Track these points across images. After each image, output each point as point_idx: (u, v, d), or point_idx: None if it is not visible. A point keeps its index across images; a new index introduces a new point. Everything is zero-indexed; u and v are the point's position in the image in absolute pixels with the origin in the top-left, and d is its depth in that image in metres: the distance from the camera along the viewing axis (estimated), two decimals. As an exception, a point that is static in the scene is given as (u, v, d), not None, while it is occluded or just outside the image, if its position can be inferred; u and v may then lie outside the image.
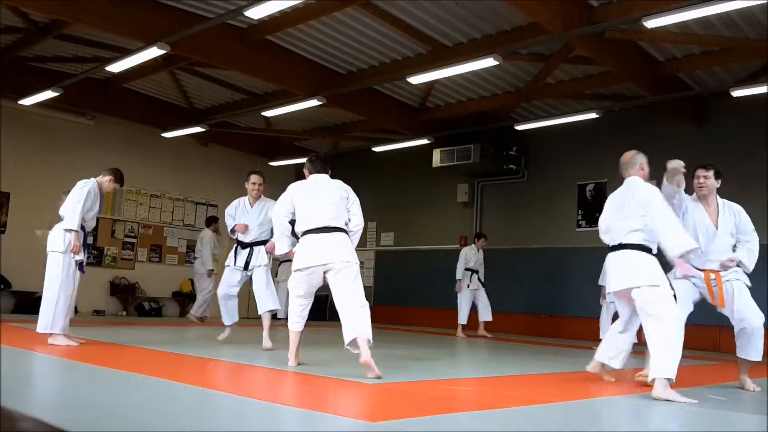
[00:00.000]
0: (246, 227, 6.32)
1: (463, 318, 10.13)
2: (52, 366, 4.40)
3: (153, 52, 8.28)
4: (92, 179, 5.80)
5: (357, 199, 4.71)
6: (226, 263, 6.46)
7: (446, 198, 13.13)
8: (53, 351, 4.95)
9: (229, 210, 6.56)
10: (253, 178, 6.45)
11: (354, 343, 4.22)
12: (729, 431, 3.34)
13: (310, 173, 4.80)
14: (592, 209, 11.07)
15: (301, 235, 4.55)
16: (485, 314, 10.07)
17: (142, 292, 12.84)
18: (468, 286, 10.16)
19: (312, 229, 4.48)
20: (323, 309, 10.28)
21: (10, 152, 10.82)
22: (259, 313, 6.19)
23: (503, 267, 11.44)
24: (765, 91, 8.32)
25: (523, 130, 11.11)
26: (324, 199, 4.55)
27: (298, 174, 15.66)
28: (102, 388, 3.54)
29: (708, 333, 9.44)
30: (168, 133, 12.33)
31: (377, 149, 12.32)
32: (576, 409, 3.68)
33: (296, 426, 2.75)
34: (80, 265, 5.58)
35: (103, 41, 9.79)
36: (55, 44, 10.06)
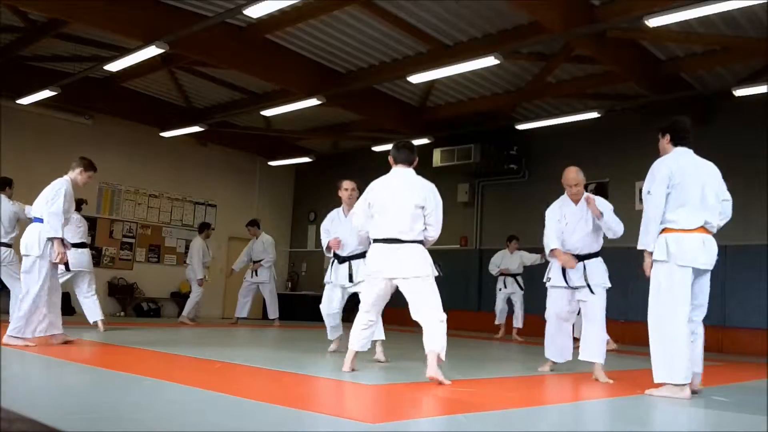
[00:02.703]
0: (339, 242, 5.67)
1: (498, 319, 10.22)
2: (50, 367, 4.37)
3: (151, 51, 8.25)
4: (66, 178, 5.53)
5: (439, 206, 4.25)
6: (325, 280, 5.97)
7: (446, 198, 12.83)
8: (51, 352, 4.91)
9: (325, 224, 5.96)
10: (345, 183, 5.83)
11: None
12: (733, 433, 3.31)
13: (395, 164, 4.38)
14: (592, 209, 11.00)
15: (372, 242, 4.26)
16: (516, 321, 9.96)
17: (141, 293, 12.81)
18: (500, 290, 10.13)
19: (381, 239, 4.18)
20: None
21: (8, 151, 10.78)
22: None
23: (503, 267, 11.39)
24: (767, 90, 8.29)
25: (524, 130, 11.07)
26: (399, 207, 4.16)
27: (297, 174, 15.71)
28: (99, 388, 3.51)
29: (710, 333, 9.41)
30: (167, 133, 12.31)
31: (377, 149, 12.29)
32: (576, 409, 3.65)
33: (296, 427, 2.71)
34: (66, 265, 5.41)
35: (101, 40, 9.77)
36: (53, 43, 10.03)
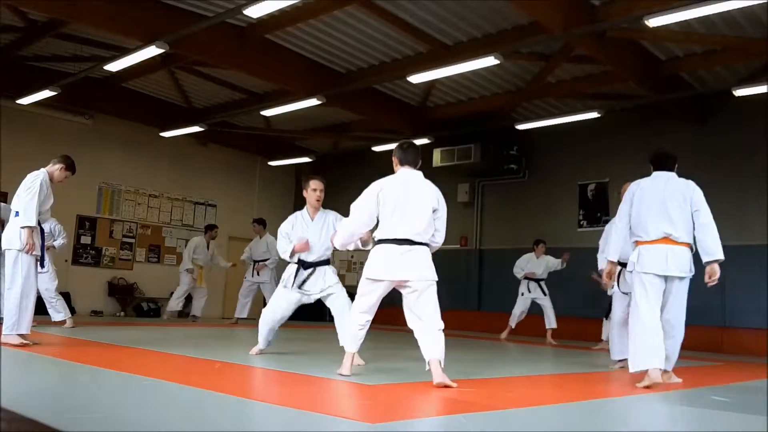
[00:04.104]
0: (307, 244, 5.19)
1: (512, 321, 9.84)
2: (50, 367, 4.36)
3: (151, 51, 8.26)
4: (42, 170, 5.50)
5: (445, 210, 4.17)
6: (282, 284, 5.28)
7: (446, 198, 12.78)
8: (51, 352, 4.91)
9: (284, 228, 5.38)
10: (314, 183, 5.33)
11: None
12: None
13: (401, 165, 4.21)
14: (593, 209, 11.02)
15: (377, 242, 4.08)
16: (549, 322, 9.64)
17: (141, 293, 12.81)
18: (523, 294, 9.83)
19: (393, 239, 4.00)
20: (323, 310, 10.24)
21: (8, 151, 10.78)
22: (341, 344, 5.00)
23: (503, 267, 11.36)
24: (767, 90, 8.29)
25: (524, 130, 11.07)
26: (416, 209, 4.03)
27: (297, 174, 15.69)
28: (99, 388, 3.51)
29: (710, 333, 9.42)
30: (167, 133, 12.31)
31: (377, 149, 12.29)
32: (576, 410, 3.64)
33: (296, 427, 2.71)
34: (40, 261, 5.33)
35: (101, 40, 9.77)
36: (53, 43, 10.03)
